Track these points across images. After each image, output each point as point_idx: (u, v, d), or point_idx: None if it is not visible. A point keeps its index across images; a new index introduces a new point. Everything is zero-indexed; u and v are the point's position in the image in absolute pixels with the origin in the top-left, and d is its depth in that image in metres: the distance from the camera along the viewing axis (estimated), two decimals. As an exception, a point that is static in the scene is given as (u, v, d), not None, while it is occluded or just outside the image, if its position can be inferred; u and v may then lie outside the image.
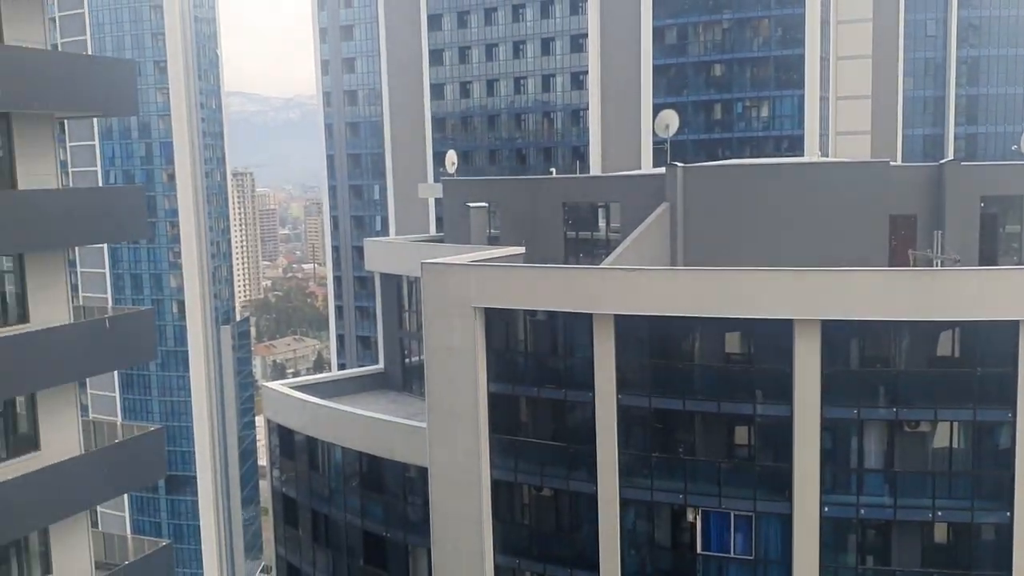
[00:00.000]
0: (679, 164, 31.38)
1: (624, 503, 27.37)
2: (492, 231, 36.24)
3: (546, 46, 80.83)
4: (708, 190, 31.15)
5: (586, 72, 77.29)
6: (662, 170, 32.12)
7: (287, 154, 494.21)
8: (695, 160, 45.71)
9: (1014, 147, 46.32)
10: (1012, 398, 24.07)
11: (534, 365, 28.98)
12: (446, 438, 29.22)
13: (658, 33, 71.63)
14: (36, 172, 20.70)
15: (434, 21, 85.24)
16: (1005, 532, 24.74)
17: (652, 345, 27.32)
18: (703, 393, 26.77)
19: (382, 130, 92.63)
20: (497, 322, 28.59)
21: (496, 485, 29.11)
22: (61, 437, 21.37)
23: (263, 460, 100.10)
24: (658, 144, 66.06)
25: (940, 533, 26.06)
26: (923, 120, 76.80)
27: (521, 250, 32.06)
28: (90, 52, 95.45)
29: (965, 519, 25.26)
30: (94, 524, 23.52)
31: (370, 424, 32.74)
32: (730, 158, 62.07)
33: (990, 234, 30.72)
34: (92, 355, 21.82)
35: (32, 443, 20.81)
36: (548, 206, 34.66)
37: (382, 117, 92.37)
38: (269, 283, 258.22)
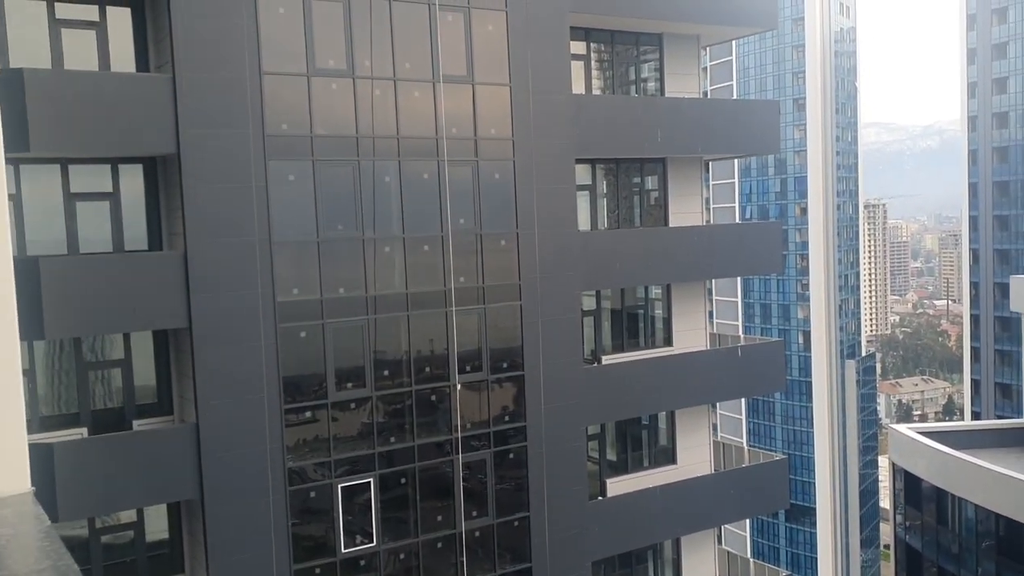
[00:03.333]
0: None
1: None
2: None
3: None
4: None
5: None
6: None
7: (922, 184, 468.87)
8: None
9: None
10: None
11: None
12: (1112, 515, 24.73)
13: None
14: (684, 209, 22.81)
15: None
16: None
17: None
18: None
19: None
20: None
21: None
22: (694, 455, 23.11)
23: (884, 502, 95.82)
24: None
25: None
26: None
27: None
28: (735, 95, 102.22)
29: None
30: (719, 540, 24.92)
31: (1011, 484, 29.23)
32: None
33: None
34: (725, 381, 23.19)
35: (670, 457, 22.86)
36: None
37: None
38: (897, 318, 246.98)
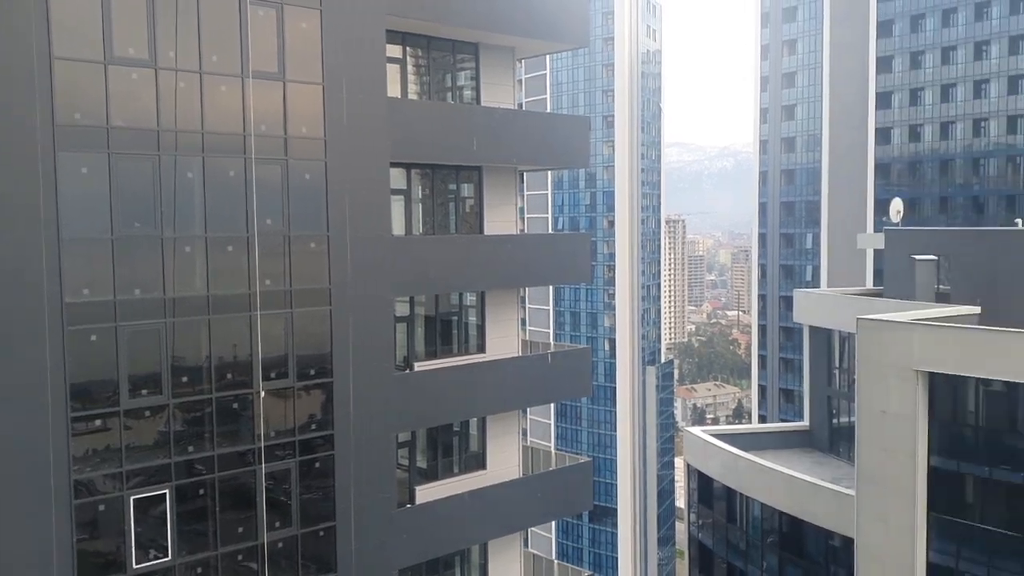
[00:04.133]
0: None
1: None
2: (940, 287, 33.17)
3: (1014, 84, 72.66)
4: None
5: (1064, 111, 68.12)
6: None
7: (718, 202, 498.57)
8: None
9: None
10: None
11: (986, 441, 25.83)
12: (877, 511, 27.08)
13: None
14: (499, 218, 23.10)
15: (884, 63, 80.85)
16: None
17: None
18: None
19: (819, 177, 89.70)
20: (942, 389, 25.99)
21: (933, 570, 26.30)
22: (504, 460, 23.41)
23: (680, 502, 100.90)
24: None
25: None
26: None
27: (976, 310, 28.90)
28: (549, 109, 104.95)
29: None
30: (525, 543, 25.35)
31: (793, 483, 31.49)
32: None
33: None
34: (535, 386, 23.64)
35: (480, 463, 23.04)
36: (1012, 262, 30.89)
37: (819, 164, 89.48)
38: (693, 327, 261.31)
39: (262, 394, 17.52)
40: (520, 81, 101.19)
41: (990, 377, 25.14)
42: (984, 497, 25.99)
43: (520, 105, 28.58)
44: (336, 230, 18.42)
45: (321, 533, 18.51)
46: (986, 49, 74.32)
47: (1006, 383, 24.96)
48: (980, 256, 32.68)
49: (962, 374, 25.56)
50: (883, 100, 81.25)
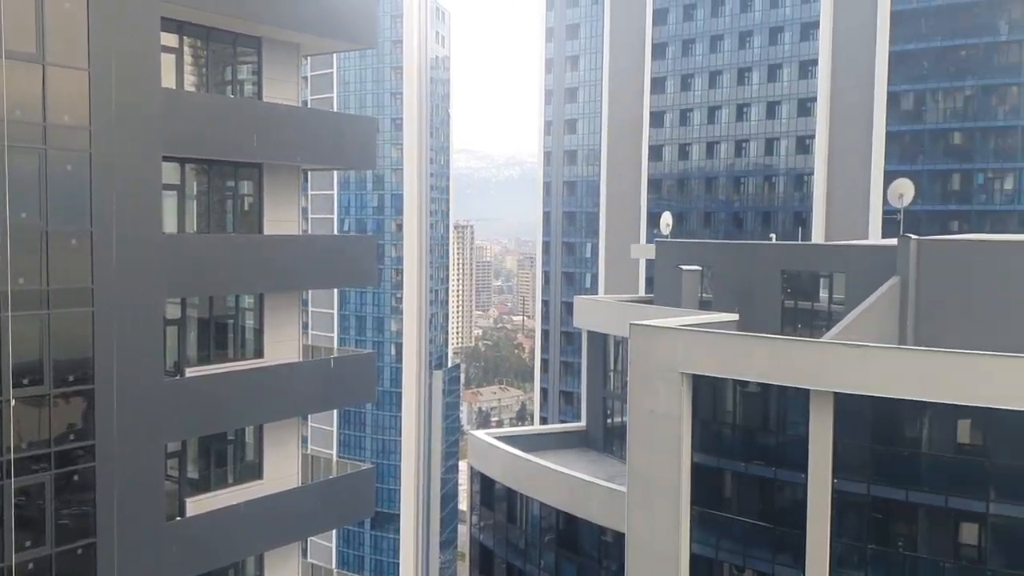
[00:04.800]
0: (913, 236, 29.52)
1: (833, 595, 25.57)
2: (704, 296, 35.50)
3: (772, 109, 79.17)
4: (946, 265, 29.03)
5: (813, 136, 74.91)
6: (893, 241, 30.32)
7: (505, 209, 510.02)
8: (928, 232, 42.90)
9: None
10: None
11: (743, 439, 27.87)
12: (645, 505, 28.57)
13: (893, 98, 68.32)
14: (280, 218, 22.42)
15: (657, 84, 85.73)
16: None
17: (875, 428, 25.55)
18: (929, 485, 24.69)
19: (598, 190, 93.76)
20: (705, 390, 27.81)
21: (695, 560, 28.06)
22: (282, 469, 22.71)
23: (464, 505, 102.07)
24: (889, 214, 62.55)
25: None
26: None
27: (735, 317, 31.15)
28: (336, 108, 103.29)
29: None
30: (303, 553, 24.72)
31: (570, 482, 32.60)
32: (966, 232, 57.81)
33: None
34: (317, 393, 23.11)
35: (256, 472, 22.23)
36: (766, 273, 33.54)
37: (599, 177, 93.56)
38: (480, 332, 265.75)
39: (12, 402, 16.03)
40: (305, 78, 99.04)
41: (745, 379, 27.17)
42: (740, 491, 28.00)
43: (305, 103, 27.83)
44: (101, 226, 17.17)
45: (79, 551, 17.17)
46: (748, 75, 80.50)
47: (760, 384, 27.05)
48: (738, 267, 35.28)
49: (721, 376, 27.46)
50: (656, 119, 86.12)
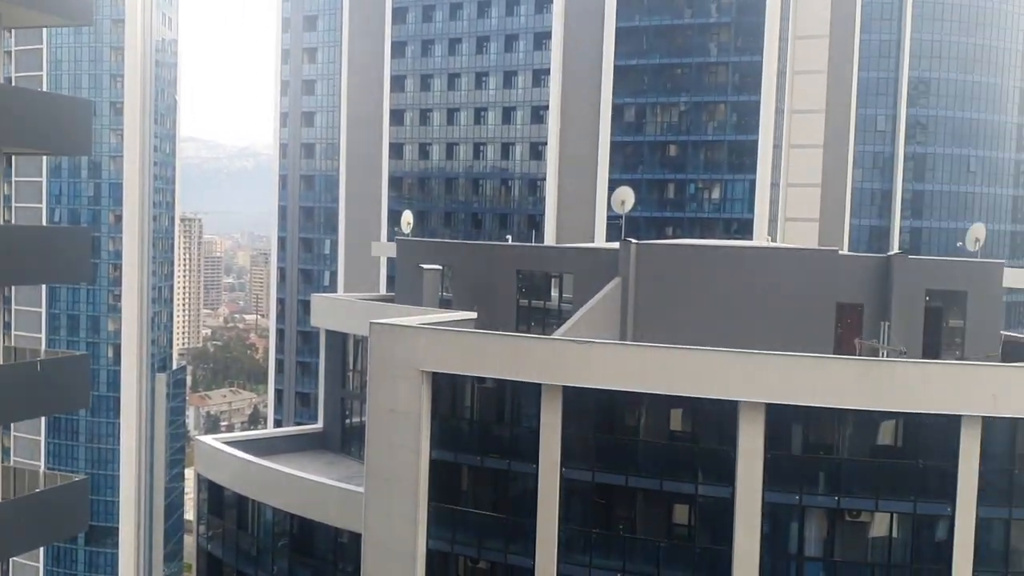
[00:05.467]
0: (632, 240, 31.64)
1: (562, 580, 26.81)
2: (445, 294, 36.02)
3: (507, 115, 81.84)
4: (660, 267, 31.41)
5: (545, 143, 78.27)
6: (616, 245, 32.33)
7: (238, 202, 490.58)
8: (646, 237, 46.24)
9: (959, 244, 47.61)
10: (951, 492, 24.26)
11: (479, 433, 28.54)
12: (383, 504, 28.49)
13: (617, 110, 72.96)
14: (-22, 206, 20.08)
15: (397, 82, 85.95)
16: (941, 627, 24.68)
17: (598, 418, 27.12)
18: (646, 470, 26.56)
19: (337, 185, 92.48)
20: (444, 387, 28.19)
21: (431, 555, 28.37)
22: (-22, 484, 20.36)
23: (190, 514, 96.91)
24: (613, 219, 66.82)
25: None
26: (870, 211, 78.95)
27: (473, 315, 31.84)
28: (46, 88, 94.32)
29: (902, 612, 25.20)
30: (4, 574, 22.33)
31: (304, 485, 31.85)
32: (680, 237, 62.99)
33: (934, 328, 31.31)
34: (21, 399, 20.93)
35: (-54, 489, 19.78)
36: (502, 273, 34.60)
37: (338, 172, 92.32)
38: (209, 332, 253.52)
39: None
40: (9, 53, 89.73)
41: (482, 375, 27.84)
42: (476, 485, 28.67)
43: (9, 80, 24.99)
44: None
45: None
46: (485, 80, 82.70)
47: (496, 380, 27.82)
48: (477, 266, 36.12)
49: (460, 373, 27.96)
50: (396, 117, 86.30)
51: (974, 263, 35.86)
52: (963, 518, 24.28)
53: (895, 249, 70.03)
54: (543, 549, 26.73)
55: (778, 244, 52.76)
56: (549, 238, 75.16)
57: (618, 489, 26.91)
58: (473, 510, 28.37)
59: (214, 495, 35.53)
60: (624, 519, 27.11)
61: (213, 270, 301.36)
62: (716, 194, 71.83)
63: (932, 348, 31.09)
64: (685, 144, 72.45)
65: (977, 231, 39.60)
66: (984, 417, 24.01)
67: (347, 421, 37.60)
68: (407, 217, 45.65)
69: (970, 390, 24.43)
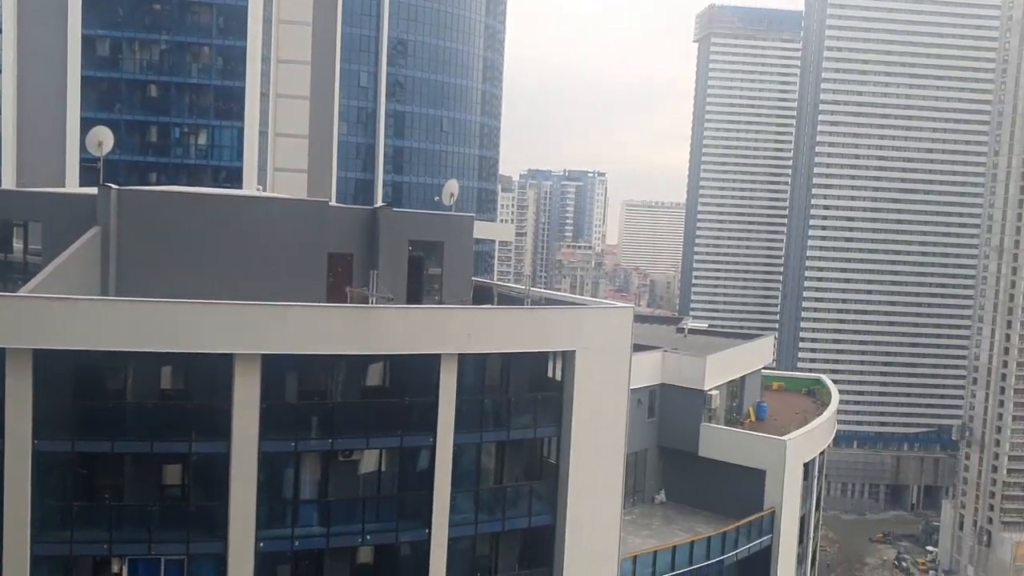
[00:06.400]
0: (113, 185, 29.03)
1: (37, 561, 24.04)
2: None
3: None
4: (146, 216, 29.27)
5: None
6: (93, 190, 29.42)
7: None
8: (128, 183, 42.90)
9: (436, 198, 51.81)
10: (432, 424, 26.49)
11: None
12: None
13: (88, 41, 66.11)
14: None
15: None
16: (423, 548, 26.98)
17: (78, 383, 24.63)
18: (135, 433, 24.86)
19: None
20: None
21: None
22: None
23: None
24: (87, 162, 60.77)
25: (366, 556, 27.48)
26: (355, 165, 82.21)
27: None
28: None
29: (390, 540, 27.05)
30: None
31: None
32: (165, 184, 59.59)
33: (416, 275, 33.63)
34: None
35: None
36: None
37: None
38: None
39: None
40: None
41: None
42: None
43: None
44: None
45: None
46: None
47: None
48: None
49: None
50: None
51: (450, 216, 39.20)
52: (443, 446, 26.69)
53: (380, 202, 74.17)
54: (11, 532, 23.68)
55: (269, 194, 52.55)
56: (8, 183, 66.10)
57: (103, 457, 24.90)
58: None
59: None
60: (111, 488, 25.16)
61: None
62: (203, 140, 69.18)
63: (415, 294, 33.44)
64: (168, 85, 68.38)
65: (451, 187, 43.38)
66: (460, 355, 26.55)
67: None
68: None
69: (447, 331, 26.79)
